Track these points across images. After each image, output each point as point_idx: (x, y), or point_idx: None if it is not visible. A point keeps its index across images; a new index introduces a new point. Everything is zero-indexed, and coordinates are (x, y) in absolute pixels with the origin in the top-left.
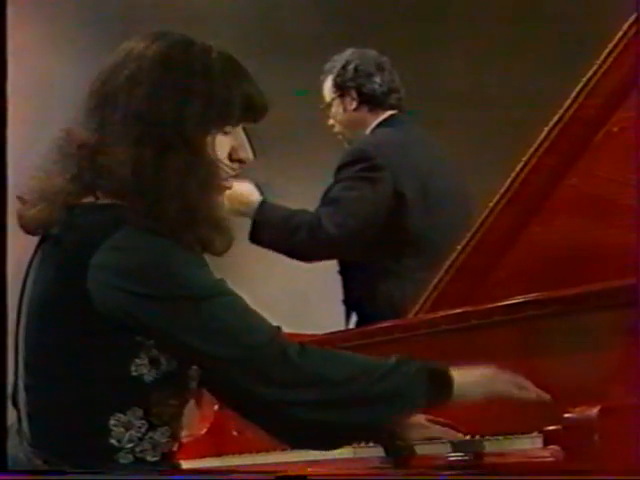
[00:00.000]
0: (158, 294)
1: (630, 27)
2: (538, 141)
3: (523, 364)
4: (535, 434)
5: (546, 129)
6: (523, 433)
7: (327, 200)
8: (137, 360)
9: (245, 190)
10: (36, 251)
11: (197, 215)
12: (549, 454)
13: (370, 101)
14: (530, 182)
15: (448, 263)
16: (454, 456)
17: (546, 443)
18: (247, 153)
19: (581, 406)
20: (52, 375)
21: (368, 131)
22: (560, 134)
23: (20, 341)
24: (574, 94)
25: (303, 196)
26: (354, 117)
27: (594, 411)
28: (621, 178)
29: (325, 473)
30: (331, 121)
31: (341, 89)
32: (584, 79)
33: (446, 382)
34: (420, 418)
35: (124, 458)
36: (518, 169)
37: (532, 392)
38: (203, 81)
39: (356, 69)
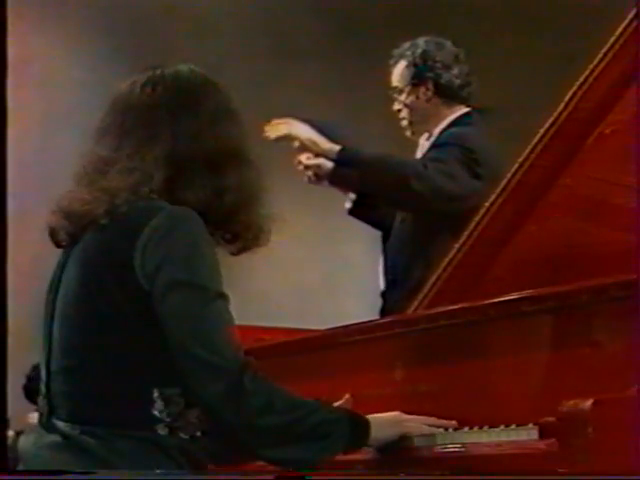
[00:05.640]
0: (180, 278)
1: (622, 33)
2: (533, 143)
3: (518, 358)
4: (531, 426)
5: (541, 131)
6: (519, 425)
7: (426, 158)
8: None
9: (314, 134)
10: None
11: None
12: (544, 445)
13: (445, 93)
14: (525, 182)
15: (446, 261)
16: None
17: (542, 435)
18: None
19: (575, 399)
20: (99, 354)
21: (444, 124)
22: (554, 136)
23: (55, 330)
24: (567, 98)
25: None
26: (427, 107)
27: (587, 404)
28: (612, 178)
29: (324, 474)
30: (397, 105)
31: (418, 79)
32: (577, 83)
33: (364, 425)
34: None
35: (162, 430)
36: (514, 170)
37: (440, 424)
38: (231, 102)
39: (435, 60)
